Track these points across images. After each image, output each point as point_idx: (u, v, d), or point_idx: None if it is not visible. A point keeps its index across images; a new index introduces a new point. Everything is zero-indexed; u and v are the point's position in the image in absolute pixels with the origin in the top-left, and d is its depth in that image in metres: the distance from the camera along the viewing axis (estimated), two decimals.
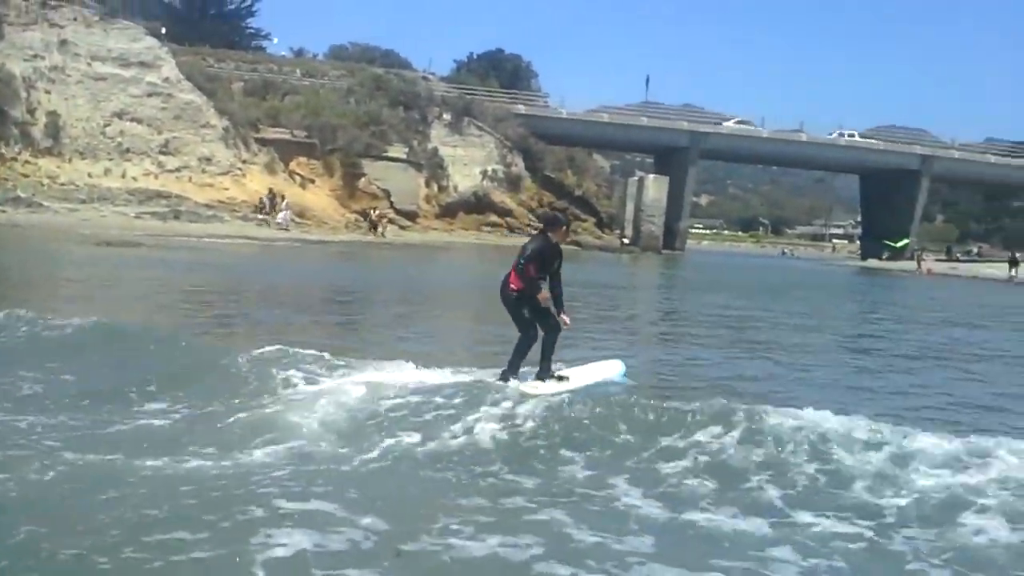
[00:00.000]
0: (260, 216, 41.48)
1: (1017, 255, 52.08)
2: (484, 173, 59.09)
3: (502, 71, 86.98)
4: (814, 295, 28.30)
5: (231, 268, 22.83)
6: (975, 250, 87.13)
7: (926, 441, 6.09)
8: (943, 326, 19.73)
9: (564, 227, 8.27)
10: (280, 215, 41.44)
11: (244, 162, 46.28)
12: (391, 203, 52.73)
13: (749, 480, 5.70)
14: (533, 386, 7.53)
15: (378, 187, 52.40)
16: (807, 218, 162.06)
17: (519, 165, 60.52)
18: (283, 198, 42.67)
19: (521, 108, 65.32)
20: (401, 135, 55.31)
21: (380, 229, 47.40)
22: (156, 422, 6.58)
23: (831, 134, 72.70)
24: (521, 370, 7.88)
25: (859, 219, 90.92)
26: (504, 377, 7.81)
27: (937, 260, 68.85)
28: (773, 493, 5.52)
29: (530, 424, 6.59)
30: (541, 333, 7.85)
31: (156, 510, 4.56)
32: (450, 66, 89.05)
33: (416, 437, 6.33)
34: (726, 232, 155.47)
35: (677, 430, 6.35)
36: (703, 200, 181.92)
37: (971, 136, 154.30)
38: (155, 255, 23.97)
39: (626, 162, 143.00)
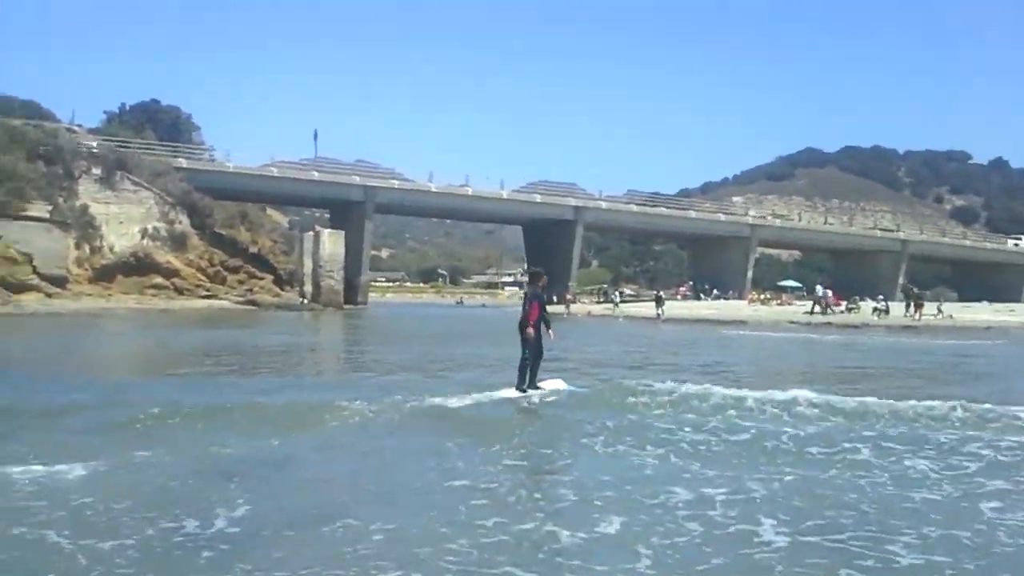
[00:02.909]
0: None
1: (661, 294, 58.20)
2: (144, 231, 55.00)
3: (159, 123, 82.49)
4: (499, 339, 29.27)
5: None
6: (626, 291, 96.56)
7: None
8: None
9: (544, 277, 12.49)
10: None
11: None
12: (34, 268, 47.13)
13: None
14: (537, 388, 11.71)
15: (17, 251, 46.60)
16: (481, 267, 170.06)
17: (184, 222, 57.05)
18: None
19: (183, 162, 61.84)
20: (43, 192, 49.90)
21: None
22: None
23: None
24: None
25: (526, 267, 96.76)
26: (520, 389, 11.53)
27: (596, 303, 75.14)
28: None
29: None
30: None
31: None
32: (100, 118, 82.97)
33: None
34: (408, 284, 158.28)
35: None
36: (384, 253, 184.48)
37: (615, 189, 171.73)
38: None
39: (305, 218, 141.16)
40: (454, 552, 5.07)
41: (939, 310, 47.38)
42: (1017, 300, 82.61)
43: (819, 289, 54.94)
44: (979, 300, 72.54)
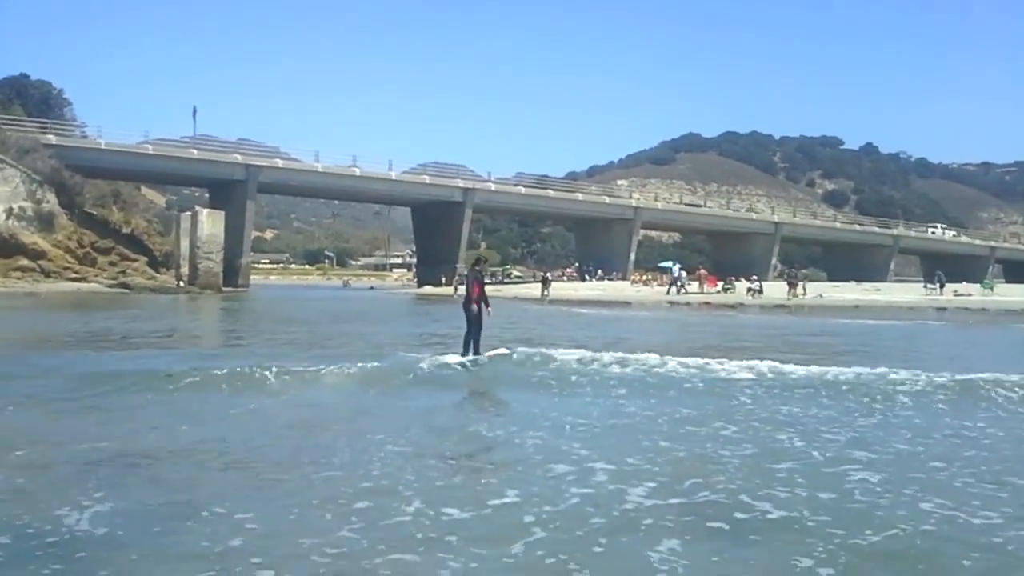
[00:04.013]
0: None
1: (548, 276, 58.86)
2: (9, 211, 52.07)
3: (29, 99, 78.32)
4: (386, 320, 29.17)
5: None
6: (515, 273, 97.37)
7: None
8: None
9: (485, 262, 16.49)
10: None
11: None
12: None
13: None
14: (480, 355, 13.82)
15: None
16: (369, 249, 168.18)
17: (52, 201, 54.20)
18: None
19: (52, 138, 58.63)
20: None
21: None
22: None
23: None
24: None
25: (415, 248, 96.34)
26: (464, 355, 13.64)
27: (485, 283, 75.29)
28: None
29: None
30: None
31: None
32: None
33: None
34: (293, 266, 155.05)
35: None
36: (268, 234, 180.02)
37: (505, 171, 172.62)
38: None
39: (183, 197, 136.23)
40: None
41: (803, 289, 49.57)
42: (883, 280, 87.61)
43: (674, 269, 56.34)
44: (848, 280, 76.35)
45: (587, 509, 5.61)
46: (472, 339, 13.92)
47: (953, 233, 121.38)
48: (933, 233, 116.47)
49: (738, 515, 5.51)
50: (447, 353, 14.18)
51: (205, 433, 8.06)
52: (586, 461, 6.90)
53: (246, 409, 9.29)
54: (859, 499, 5.96)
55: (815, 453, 7.37)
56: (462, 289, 14.52)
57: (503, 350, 14.38)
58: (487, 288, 15.23)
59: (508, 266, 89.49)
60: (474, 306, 13.89)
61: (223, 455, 7.13)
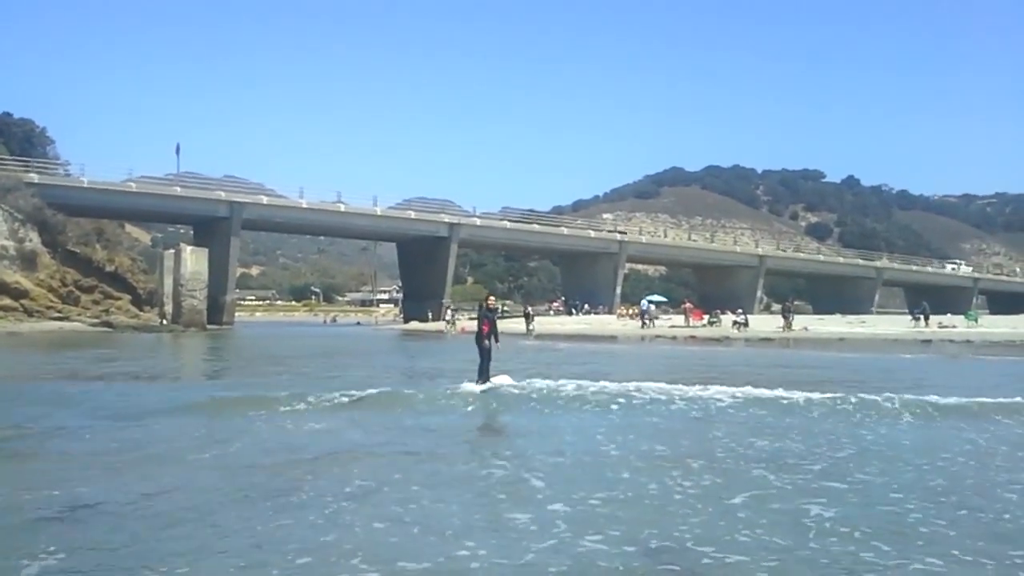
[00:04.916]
0: None
1: (530, 311, 58.74)
2: None
3: (12, 137, 78.51)
4: (374, 355, 29.02)
5: None
6: (503, 308, 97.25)
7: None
8: None
9: (492, 297, 17.66)
10: None
11: None
12: None
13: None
14: (490, 382, 15.38)
15: None
16: (356, 284, 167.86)
17: (34, 240, 53.98)
18: None
19: (34, 177, 58.53)
20: None
21: None
22: None
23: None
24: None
25: (400, 284, 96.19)
26: (479, 382, 15.33)
27: (470, 319, 75.18)
28: None
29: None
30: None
31: None
32: None
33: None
34: (279, 302, 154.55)
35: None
36: (254, 271, 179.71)
37: (490, 206, 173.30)
38: None
39: (169, 235, 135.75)
40: None
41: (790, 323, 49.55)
42: (868, 312, 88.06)
43: (643, 304, 57.01)
44: (832, 312, 76.72)
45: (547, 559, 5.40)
46: (484, 368, 15.76)
47: (971, 269, 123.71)
48: (953, 270, 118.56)
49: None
50: (463, 382, 15.66)
51: (169, 476, 7.95)
52: (549, 502, 6.86)
53: (222, 451, 9.16)
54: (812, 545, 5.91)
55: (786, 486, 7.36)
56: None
57: (506, 378, 15.96)
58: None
59: (501, 301, 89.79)
60: (485, 341, 15.74)
61: (179, 502, 7.03)
